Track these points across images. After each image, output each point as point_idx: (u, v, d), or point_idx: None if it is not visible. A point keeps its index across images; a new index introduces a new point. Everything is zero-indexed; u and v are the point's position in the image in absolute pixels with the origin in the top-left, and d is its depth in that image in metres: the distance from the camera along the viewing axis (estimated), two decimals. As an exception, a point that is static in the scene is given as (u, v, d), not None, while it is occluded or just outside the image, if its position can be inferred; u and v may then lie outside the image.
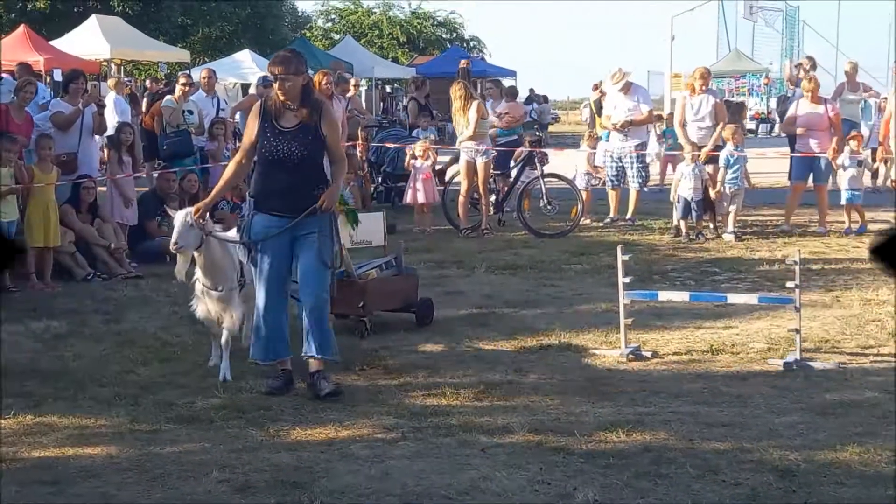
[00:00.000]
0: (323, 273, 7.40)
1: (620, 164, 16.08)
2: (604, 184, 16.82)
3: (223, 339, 7.88)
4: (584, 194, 15.79)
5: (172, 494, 5.65)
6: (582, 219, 15.46)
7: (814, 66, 19.09)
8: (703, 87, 15.08)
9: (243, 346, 8.12)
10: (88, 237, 12.16)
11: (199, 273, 7.91)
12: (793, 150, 15.24)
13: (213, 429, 6.59)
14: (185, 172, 13.97)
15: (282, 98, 7.30)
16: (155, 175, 14.80)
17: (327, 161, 7.65)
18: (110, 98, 19.39)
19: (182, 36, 45.34)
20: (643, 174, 16.25)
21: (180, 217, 7.58)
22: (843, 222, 14.98)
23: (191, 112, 15.83)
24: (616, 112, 16.07)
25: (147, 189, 14.62)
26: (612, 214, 16.33)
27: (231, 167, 7.69)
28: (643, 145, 16.55)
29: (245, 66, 33.44)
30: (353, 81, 22.83)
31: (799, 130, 14.87)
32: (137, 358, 8.45)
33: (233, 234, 8.10)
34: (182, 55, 35.52)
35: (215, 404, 7.18)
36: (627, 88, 16.06)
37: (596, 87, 24.22)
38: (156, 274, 11.98)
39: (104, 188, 13.41)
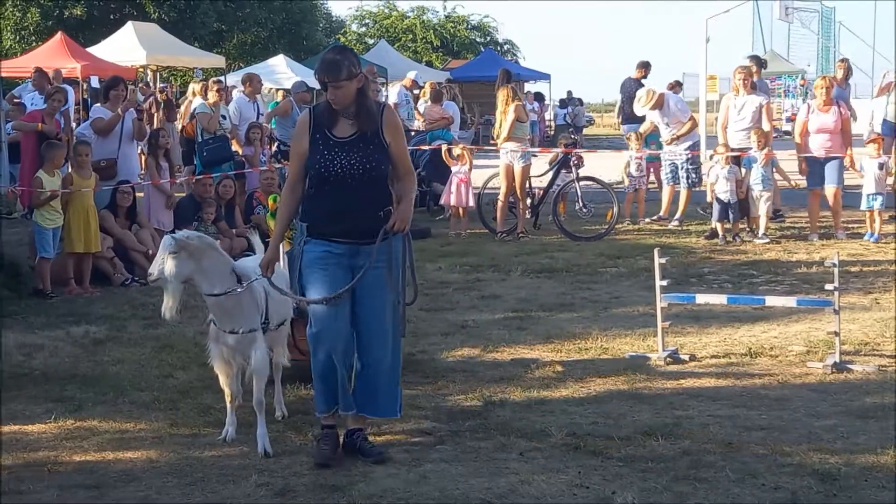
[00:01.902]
0: (396, 315, 6.30)
1: (674, 164, 16.07)
2: (651, 185, 16.84)
3: (255, 394, 6.49)
4: (630, 195, 15.96)
5: (212, 498, 5.69)
6: (640, 220, 15.91)
7: (848, 70, 18.84)
8: (747, 88, 14.97)
9: (276, 418, 7.01)
10: (127, 242, 12.24)
11: (211, 311, 6.60)
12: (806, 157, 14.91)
13: (251, 432, 6.61)
14: (221, 178, 14.03)
15: (335, 106, 6.22)
16: (192, 181, 14.86)
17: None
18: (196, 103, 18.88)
19: (217, 42, 45.56)
20: (694, 175, 16.20)
21: (164, 243, 6.39)
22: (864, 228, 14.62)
23: (224, 117, 15.93)
24: (663, 131, 16.29)
25: (183, 195, 14.69)
26: (661, 213, 16.37)
27: (287, 197, 6.43)
28: (695, 145, 16.52)
29: (279, 72, 33.55)
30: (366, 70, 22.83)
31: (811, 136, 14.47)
32: (176, 363, 8.50)
33: (253, 262, 6.77)
34: (217, 61, 35.71)
35: (253, 408, 7.19)
36: (660, 103, 16.05)
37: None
38: (193, 279, 12.04)
39: (142, 193, 13.49)
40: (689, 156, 15.96)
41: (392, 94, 18.96)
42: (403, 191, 6.38)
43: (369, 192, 6.20)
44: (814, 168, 14.34)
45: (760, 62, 18.73)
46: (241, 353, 6.49)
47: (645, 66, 20.01)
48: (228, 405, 6.71)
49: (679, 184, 16.10)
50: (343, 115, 6.22)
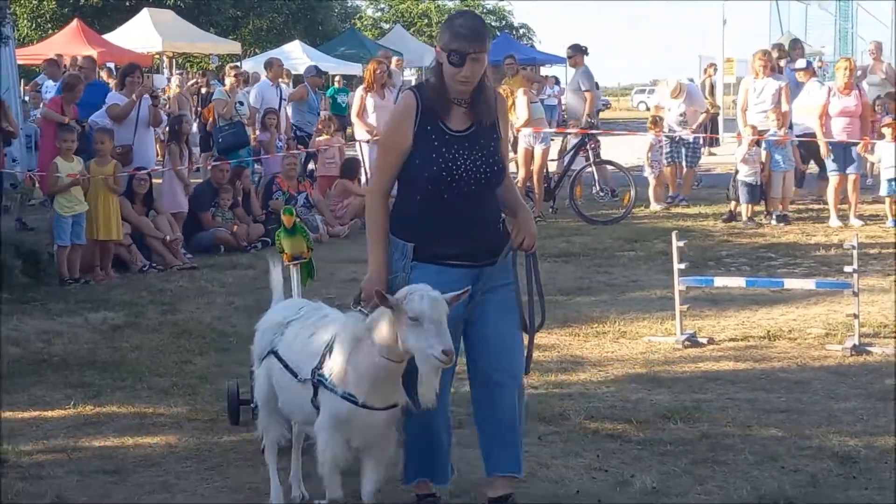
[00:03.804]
0: (521, 345, 5.14)
1: (678, 144, 16.21)
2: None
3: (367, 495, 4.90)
4: (652, 181, 16.09)
5: (232, 483, 5.71)
6: (653, 205, 15.96)
7: (879, 50, 18.88)
8: (767, 71, 14.92)
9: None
10: (144, 229, 12.26)
11: (360, 383, 4.68)
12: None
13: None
14: (239, 169, 14.03)
15: (461, 87, 4.87)
16: (209, 167, 14.89)
17: None
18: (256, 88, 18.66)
19: (233, 28, 45.61)
20: (692, 155, 16.58)
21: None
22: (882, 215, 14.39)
23: (241, 103, 15.95)
24: (670, 114, 16.61)
25: (201, 180, 14.72)
26: (670, 192, 16.46)
27: (381, 206, 5.00)
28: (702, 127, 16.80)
29: (295, 57, 33.56)
30: (395, 61, 22.81)
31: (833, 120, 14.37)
32: (194, 348, 8.52)
33: (284, 312, 5.32)
34: (233, 47, 35.77)
35: (272, 393, 7.21)
36: (679, 92, 16.32)
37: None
38: (210, 265, 12.10)
39: (159, 180, 13.51)
40: (691, 137, 16.17)
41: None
42: (514, 195, 5.24)
43: (490, 200, 5.05)
44: (836, 152, 14.22)
45: (785, 49, 18.70)
46: (382, 434, 4.83)
47: (576, 50, 19.10)
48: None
49: (680, 164, 16.31)
50: (455, 101, 4.96)
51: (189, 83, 24.48)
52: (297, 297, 5.96)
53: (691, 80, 20.62)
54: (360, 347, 4.66)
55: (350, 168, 15.19)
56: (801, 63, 15.80)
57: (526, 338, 5.15)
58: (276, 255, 6.29)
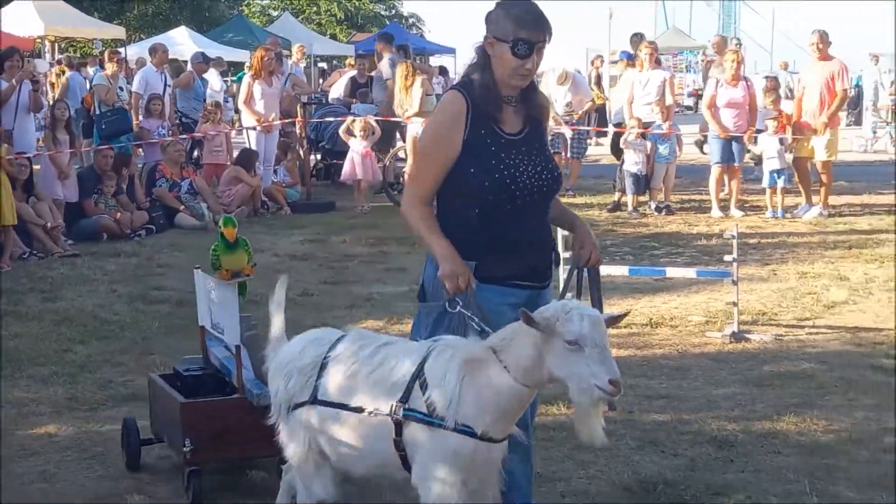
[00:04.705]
0: None
1: (562, 136, 16.35)
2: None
3: None
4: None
5: (113, 472, 5.64)
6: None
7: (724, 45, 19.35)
8: (652, 63, 15.15)
9: None
10: (24, 215, 11.96)
11: (467, 407, 3.96)
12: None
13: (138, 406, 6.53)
14: (124, 156, 13.81)
15: (519, 83, 4.34)
16: (93, 152, 14.63)
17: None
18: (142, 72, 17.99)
19: (118, 13, 44.75)
20: (577, 146, 16.70)
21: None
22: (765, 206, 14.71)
23: (121, 89, 15.74)
24: (556, 104, 16.51)
25: (83, 167, 14.46)
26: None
27: (424, 209, 4.42)
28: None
29: (181, 43, 33.08)
30: (296, 48, 22.65)
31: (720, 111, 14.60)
32: (75, 336, 8.37)
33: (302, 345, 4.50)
34: (118, 32, 35.07)
35: (155, 382, 7.12)
36: (565, 79, 16.42)
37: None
38: (92, 252, 11.88)
39: (39, 166, 13.24)
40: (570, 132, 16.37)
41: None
42: (563, 206, 4.74)
43: (547, 211, 4.51)
44: (720, 144, 14.47)
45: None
46: (496, 474, 4.13)
47: (386, 39, 18.94)
48: None
49: (565, 154, 16.45)
50: (506, 100, 4.40)
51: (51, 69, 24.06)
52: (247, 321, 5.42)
53: (578, 72, 20.84)
54: (481, 372, 3.95)
55: (246, 158, 15.03)
56: (618, 55, 16.20)
57: None
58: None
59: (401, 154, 16.35)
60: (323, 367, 4.25)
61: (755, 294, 9.60)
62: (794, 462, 5.67)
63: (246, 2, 58.22)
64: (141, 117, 15.92)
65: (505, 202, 4.29)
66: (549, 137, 16.17)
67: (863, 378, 7.17)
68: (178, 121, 16.95)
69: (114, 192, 13.26)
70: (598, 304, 4.41)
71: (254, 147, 15.32)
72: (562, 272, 5.29)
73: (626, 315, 4.14)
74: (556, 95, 16.58)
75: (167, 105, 16.23)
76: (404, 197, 4.56)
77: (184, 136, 15.87)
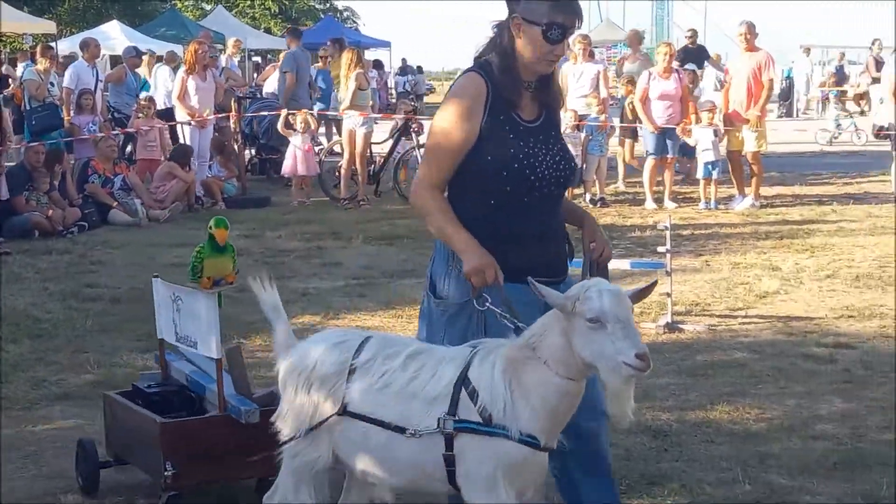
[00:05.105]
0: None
1: None
2: None
3: None
4: None
5: (47, 471, 5.59)
6: None
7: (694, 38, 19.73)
8: (585, 56, 15.24)
9: None
10: (-47, 213, 11.84)
11: (520, 413, 3.71)
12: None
13: (86, 405, 6.48)
14: (56, 152, 13.64)
15: (544, 69, 4.12)
16: (22, 149, 14.44)
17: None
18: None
19: (48, 7, 44.17)
20: None
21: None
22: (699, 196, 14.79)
23: (52, 84, 15.56)
24: None
25: (13, 164, 14.28)
26: None
27: (437, 195, 4.16)
28: None
29: (113, 37, 32.72)
30: (231, 42, 22.48)
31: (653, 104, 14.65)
32: (7, 336, 8.24)
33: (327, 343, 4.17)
34: (48, 26, 34.61)
35: (88, 380, 7.07)
36: None
37: None
38: (24, 250, 11.75)
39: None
40: None
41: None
42: (570, 201, 4.64)
43: (560, 204, 4.35)
44: (654, 135, 14.56)
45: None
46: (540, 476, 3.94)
47: (294, 34, 18.17)
48: None
49: None
50: (525, 86, 4.17)
51: None
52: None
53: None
54: (525, 373, 3.71)
55: (181, 153, 14.91)
56: None
57: None
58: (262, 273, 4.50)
59: (336, 148, 16.32)
60: (351, 374, 3.92)
61: (688, 285, 9.69)
62: (728, 450, 5.75)
63: (179, -5, 57.75)
64: (72, 113, 15.75)
65: (523, 193, 4.09)
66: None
67: (794, 366, 7.28)
68: (110, 116, 16.78)
69: (46, 190, 13.11)
70: None
71: (188, 142, 15.21)
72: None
73: (653, 286, 3.78)
74: None
75: (98, 100, 16.07)
76: (416, 183, 4.23)
77: (116, 132, 15.69)
